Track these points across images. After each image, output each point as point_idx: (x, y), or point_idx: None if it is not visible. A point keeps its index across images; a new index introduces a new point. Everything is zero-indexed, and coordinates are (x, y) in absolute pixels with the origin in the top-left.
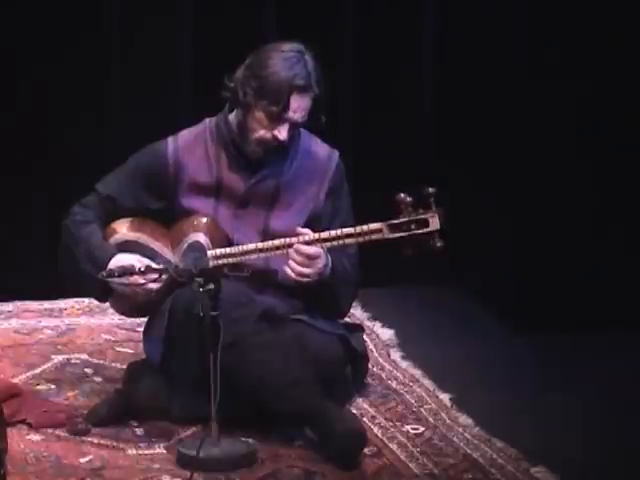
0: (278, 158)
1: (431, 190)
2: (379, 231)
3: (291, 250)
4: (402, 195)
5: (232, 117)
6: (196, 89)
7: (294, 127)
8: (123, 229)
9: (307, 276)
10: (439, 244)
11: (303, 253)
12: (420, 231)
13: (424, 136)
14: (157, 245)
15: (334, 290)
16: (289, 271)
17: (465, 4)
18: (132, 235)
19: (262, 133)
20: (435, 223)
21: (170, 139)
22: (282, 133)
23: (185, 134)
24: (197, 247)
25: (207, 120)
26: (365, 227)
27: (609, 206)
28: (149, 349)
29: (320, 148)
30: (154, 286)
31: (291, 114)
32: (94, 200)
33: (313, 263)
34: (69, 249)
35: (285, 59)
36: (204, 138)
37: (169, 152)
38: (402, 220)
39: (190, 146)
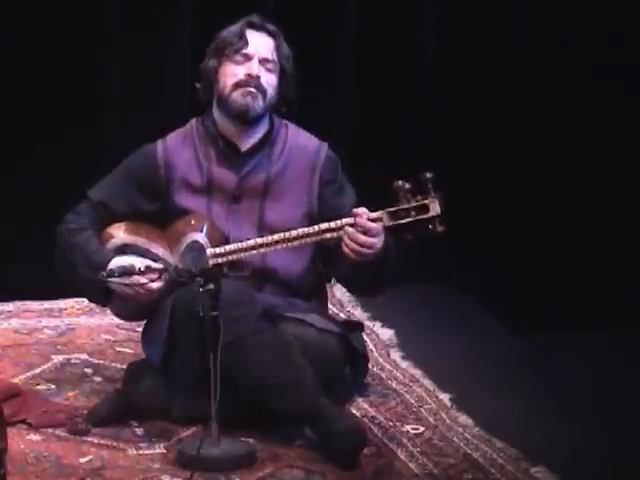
0: (266, 150)
1: (429, 175)
2: (379, 219)
3: (350, 230)
4: (400, 182)
5: (214, 108)
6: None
7: (267, 66)
8: (119, 233)
9: (367, 255)
10: (440, 229)
11: (366, 228)
12: (420, 217)
13: (425, 135)
14: (155, 247)
15: (386, 266)
16: (348, 251)
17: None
18: (129, 239)
19: (235, 79)
20: (435, 208)
21: (159, 141)
22: (252, 68)
23: (173, 135)
24: (196, 247)
25: (194, 120)
26: (365, 216)
27: (608, 206)
28: (149, 350)
29: (308, 141)
30: (155, 286)
31: (253, 48)
32: (87, 207)
33: (373, 242)
34: (65, 256)
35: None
36: (192, 137)
37: (159, 154)
38: (402, 207)
39: (179, 146)
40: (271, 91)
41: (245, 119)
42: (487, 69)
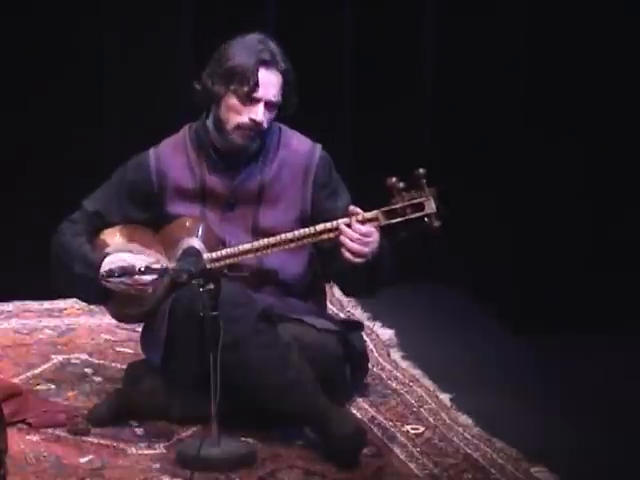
0: (259, 155)
1: (422, 171)
2: (375, 219)
3: (347, 230)
4: (393, 179)
5: (209, 121)
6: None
7: (270, 108)
8: (115, 238)
9: (364, 255)
10: (436, 224)
11: (358, 231)
12: (416, 215)
13: (423, 135)
14: (151, 252)
15: (383, 266)
16: (345, 252)
17: None
18: (123, 245)
19: (239, 119)
20: (430, 205)
21: (152, 150)
22: (258, 114)
23: (166, 143)
24: (192, 252)
25: (187, 127)
26: (360, 216)
27: (607, 207)
28: (148, 351)
29: (302, 143)
30: (150, 290)
31: (262, 92)
32: (82, 216)
33: (368, 242)
34: (60, 260)
35: (246, 42)
36: (184, 145)
37: (151, 162)
38: (397, 206)
39: (171, 154)
40: (268, 124)
41: (240, 154)
42: (487, 70)
